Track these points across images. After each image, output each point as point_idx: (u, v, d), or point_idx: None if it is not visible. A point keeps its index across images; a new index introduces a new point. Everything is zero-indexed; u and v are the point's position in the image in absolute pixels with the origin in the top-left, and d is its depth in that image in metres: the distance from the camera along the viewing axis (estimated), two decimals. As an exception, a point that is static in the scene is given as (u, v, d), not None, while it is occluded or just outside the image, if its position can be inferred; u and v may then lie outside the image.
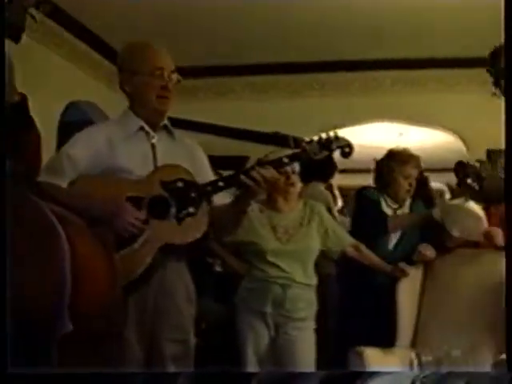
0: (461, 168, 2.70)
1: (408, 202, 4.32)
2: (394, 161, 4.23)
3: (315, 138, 3.06)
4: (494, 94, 2.96)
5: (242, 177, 2.72)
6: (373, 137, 7.22)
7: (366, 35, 5.24)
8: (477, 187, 2.60)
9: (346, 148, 3.20)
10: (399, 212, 4.27)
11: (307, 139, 3.14)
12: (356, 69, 5.76)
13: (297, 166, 3.82)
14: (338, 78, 5.81)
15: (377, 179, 4.34)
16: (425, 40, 5.36)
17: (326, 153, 3.28)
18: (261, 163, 2.84)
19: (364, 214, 4.24)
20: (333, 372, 2.68)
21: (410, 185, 4.21)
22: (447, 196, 4.20)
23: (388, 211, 4.23)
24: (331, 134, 3.66)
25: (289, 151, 2.99)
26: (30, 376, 2.00)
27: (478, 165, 2.69)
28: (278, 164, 2.83)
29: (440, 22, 5.11)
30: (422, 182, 4.61)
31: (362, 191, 4.35)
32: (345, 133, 5.11)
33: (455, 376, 2.01)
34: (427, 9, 4.86)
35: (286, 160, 2.85)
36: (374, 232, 4.11)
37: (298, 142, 3.12)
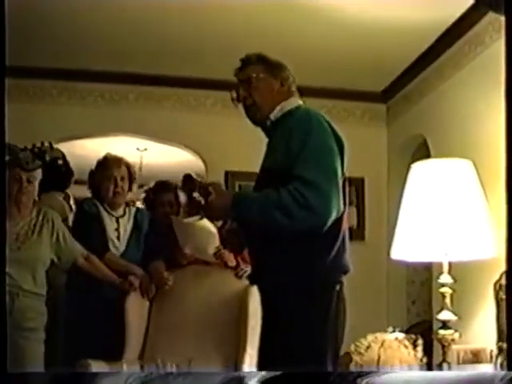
0: (188, 181, 2.77)
1: (133, 210, 4.38)
2: (100, 167, 4.30)
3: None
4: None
5: None
6: (116, 150, 7.16)
7: (111, 47, 5.18)
8: (203, 201, 2.68)
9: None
10: (122, 220, 4.30)
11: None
12: (101, 80, 5.70)
13: (39, 175, 3.79)
14: (82, 87, 5.70)
15: (90, 189, 4.35)
16: (173, 58, 5.41)
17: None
18: None
19: (83, 227, 4.21)
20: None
21: (116, 185, 4.24)
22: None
23: (109, 221, 4.27)
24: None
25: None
26: (30, 376, 2.12)
27: (203, 179, 2.77)
28: None
29: (189, 42, 5.17)
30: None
31: (81, 204, 4.36)
32: (88, 144, 5.02)
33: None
34: (174, 26, 4.90)
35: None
36: (96, 245, 4.10)
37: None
